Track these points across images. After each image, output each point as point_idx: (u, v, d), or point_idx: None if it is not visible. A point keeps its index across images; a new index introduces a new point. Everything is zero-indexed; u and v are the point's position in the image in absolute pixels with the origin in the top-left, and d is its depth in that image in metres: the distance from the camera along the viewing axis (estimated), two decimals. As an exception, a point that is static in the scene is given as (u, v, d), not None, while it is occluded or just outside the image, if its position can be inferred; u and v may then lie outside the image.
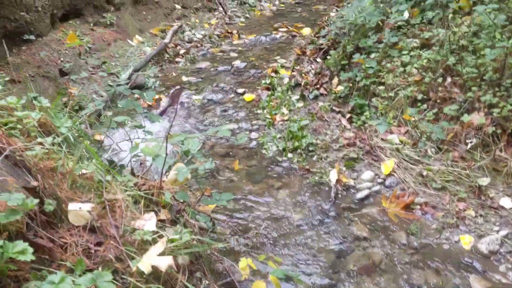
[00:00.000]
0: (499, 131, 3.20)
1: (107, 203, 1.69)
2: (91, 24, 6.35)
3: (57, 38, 5.65)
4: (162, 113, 4.87)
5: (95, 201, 1.69)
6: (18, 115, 1.87)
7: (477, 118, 3.26)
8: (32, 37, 5.10)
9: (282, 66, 5.87)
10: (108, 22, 6.51)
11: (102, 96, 5.11)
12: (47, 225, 1.51)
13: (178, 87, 5.63)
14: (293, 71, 5.60)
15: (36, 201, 1.35)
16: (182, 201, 2.05)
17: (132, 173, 2.65)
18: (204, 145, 4.20)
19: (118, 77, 5.60)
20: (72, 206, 1.59)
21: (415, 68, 3.88)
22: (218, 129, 2.57)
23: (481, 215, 2.97)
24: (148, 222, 1.71)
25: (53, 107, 2.28)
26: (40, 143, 1.73)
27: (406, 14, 4.32)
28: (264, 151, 4.11)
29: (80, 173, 1.78)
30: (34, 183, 1.50)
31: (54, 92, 4.96)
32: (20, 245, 1.21)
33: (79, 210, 1.59)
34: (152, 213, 1.79)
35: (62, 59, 5.40)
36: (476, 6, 3.49)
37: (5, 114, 1.97)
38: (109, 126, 2.52)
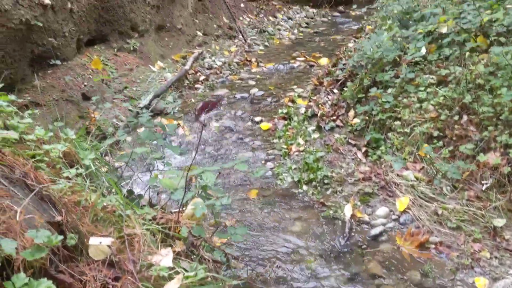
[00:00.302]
0: (515, 171, 3.19)
1: (126, 237, 1.74)
2: (115, 50, 6.54)
3: (82, 63, 5.83)
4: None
5: (114, 235, 1.75)
6: (46, 148, 1.95)
7: (493, 158, 3.27)
8: (58, 62, 5.28)
9: (299, 96, 5.95)
10: (132, 48, 6.70)
11: (122, 121, 5.24)
12: (68, 259, 1.57)
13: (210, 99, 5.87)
14: (309, 101, 5.67)
15: (61, 237, 1.41)
16: (198, 235, 2.10)
17: (150, 203, 2.72)
18: (220, 174, 4.26)
19: (138, 102, 5.74)
20: (92, 241, 1.65)
21: (432, 104, 3.91)
22: (235, 162, 2.63)
23: (496, 257, 2.95)
24: (164, 258, 1.76)
25: (77, 138, 2.37)
26: (66, 177, 1.81)
27: (423, 50, 4.37)
28: (279, 182, 4.15)
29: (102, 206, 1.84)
30: (58, 218, 1.56)
31: (76, 116, 5.11)
32: (45, 283, 1.26)
33: (99, 244, 1.65)
34: (169, 249, 1.84)
35: (85, 83, 5.57)
36: (493, 46, 3.53)
37: (32, 145, 2.05)
38: (130, 157, 2.60)
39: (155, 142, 2.73)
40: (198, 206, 2.08)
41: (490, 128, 3.40)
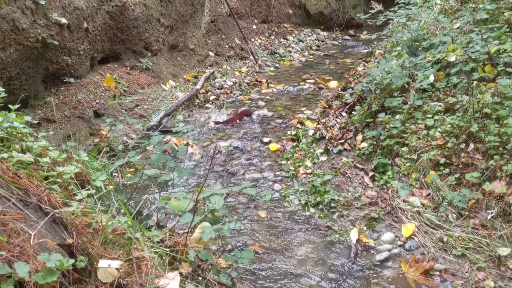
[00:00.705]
0: (520, 201, 3.21)
1: (135, 260, 1.79)
2: (128, 68, 6.67)
3: (95, 81, 5.95)
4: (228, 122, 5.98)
5: (123, 258, 1.79)
6: (59, 170, 2.02)
7: (498, 187, 3.29)
8: (72, 80, 5.40)
9: (308, 118, 6.00)
10: (144, 67, 6.82)
11: (132, 139, 5.32)
12: (78, 281, 1.61)
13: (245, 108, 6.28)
14: (318, 123, 5.71)
15: (72, 261, 1.46)
16: (205, 259, 2.13)
17: (158, 225, 2.77)
18: (228, 194, 4.30)
19: (149, 120, 5.83)
20: (102, 263, 1.70)
21: (439, 132, 3.94)
22: (243, 186, 2.68)
23: (500, 287, 2.94)
24: (171, 282, 1.80)
25: (90, 159, 2.43)
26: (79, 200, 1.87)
27: (431, 78, 4.42)
28: (286, 204, 4.18)
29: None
30: (69, 241, 1.61)
31: (87, 133, 5.21)
32: (55, 306, 1.31)
33: (108, 267, 1.69)
34: (176, 272, 1.88)
35: (97, 101, 5.68)
36: (500, 78, 3.57)
37: (46, 167, 2.12)
38: (140, 178, 2.65)
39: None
40: (206, 230, 2.12)
41: (496, 157, 3.43)
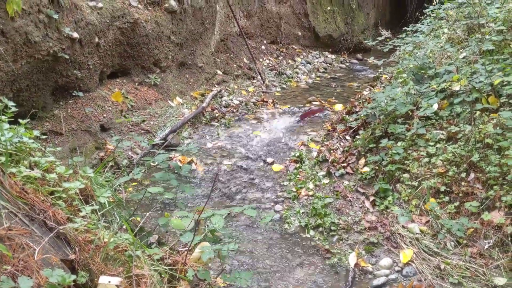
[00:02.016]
0: (518, 232, 3.23)
1: (134, 278, 1.83)
2: (136, 83, 6.77)
3: (103, 95, 6.04)
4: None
5: (123, 275, 1.84)
6: (65, 186, 2.07)
7: (497, 217, 3.32)
8: (81, 94, 5.49)
9: (312, 140, 6.06)
10: (153, 83, 6.92)
11: (137, 154, 5.39)
12: (78, 296, 1.66)
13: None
14: (322, 146, 5.76)
15: (73, 277, 1.51)
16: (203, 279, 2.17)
17: (159, 242, 2.81)
18: (229, 214, 4.33)
19: (155, 136, 5.91)
20: (102, 280, 1.74)
21: (440, 160, 3.98)
22: (244, 207, 2.72)
23: (496, 318, 2.95)
24: (168, 300, 1.84)
25: (95, 176, 2.49)
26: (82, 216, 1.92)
27: (435, 106, 4.48)
28: (286, 226, 4.21)
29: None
30: (72, 256, 1.66)
31: (93, 147, 5.28)
32: (55, 320, 1.35)
33: (108, 283, 1.73)
34: (174, 291, 1.91)
35: (105, 115, 5.76)
36: (503, 110, 3.62)
37: (52, 182, 2.18)
38: (144, 195, 2.70)
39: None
40: (205, 250, 2.16)
41: (495, 187, 3.47)
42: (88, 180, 2.43)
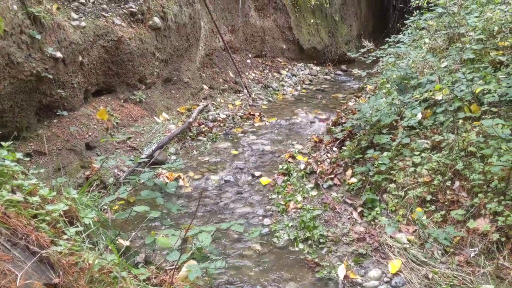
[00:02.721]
0: (503, 238, 3.27)
1: (119, 300, 1.81)
2: (122, 101, 6.74)
3: (88, 113, 5.99)
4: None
5: (108, 297, 1.81)
6: (48, 208, 2.05)
7: (482, 224, 3.35)
8: (65, 113, 5.46)
9: (299, 152, 6.07)
10: (138, 100, 6.90)
11: (123, 171, 5.35)
12: (62, 320, 1.63)
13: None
14: (309, 158, 5.78)
15: (56, 302, 1.49)
16: (189, 298, 2.15)
17: (146, 261, 2.78)
18: (218, 230, 4.31)
19: (141, 152, 5.88)
20: (87, 303, 1.72)
21: (425, 169, 4.02)
22: (231, 223, 2.72)
23: (485, 326, 2.96)
24: (155, 322, 1.82)
25: (80, 196, 2.47)
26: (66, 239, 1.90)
27: (419, 116, 4.53)
28: (275, 240, 4.20)
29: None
30: (55, 281, 1.64)
31: (78, 166, 5.22)
32: None
33: (93, 306, 1.71)
34: (160, 312, 1.89)
35: (90, 133, 5.72)
36: (484, 119, 3.68)
37: (35, 204, 2.15)
38: (129, 214, 2.68)
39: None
40: (192, 269, 2.15)
41: (480, 195, 3.50)
42: (72, 201, 2.41)
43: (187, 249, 2.66)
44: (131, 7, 6.73)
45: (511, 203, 3.33)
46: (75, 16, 5.75)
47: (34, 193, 2.14)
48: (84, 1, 6.04)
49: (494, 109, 4.03)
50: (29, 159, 4.61)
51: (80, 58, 5.70)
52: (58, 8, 5.47)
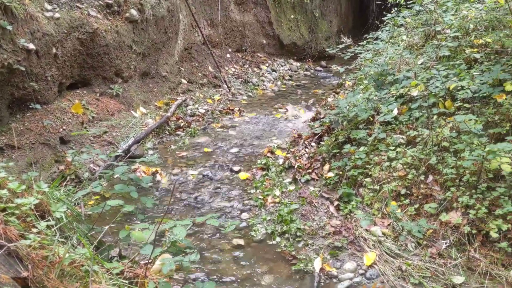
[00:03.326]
0: (474, 231, 3.34)
1: (91, 293, 1.79)
2: (98, 94, 6.64)
3: (62, 107, 5.87)
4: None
5: (79, 291, 1.79)
6: (18, 202, 2.01)
7: (454, 217, 3.42)
8: (38, 106, 5.34)
9: (278, 147, 6.09)
10: (114, 93, 6.81)
11: (99, 166, 5.28)
12: (31, 315, 1.61)
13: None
14: (288, 153, 5.81)
15: (24, 295, 1.46)
16: (163, 291, 2.14)
17: (120, 255, 2.76)
18: (195, 224, 4.29)
19: (117, 147, 5.81)
20: (57, 296, 1.69)
21: (400, 164, 4.08)
22: (206, 217, 2.71)
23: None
24: (127, 315, 1.80)
25: (51, 189, 2.43)
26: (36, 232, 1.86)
27: (395, 111, 4.59)
28: (253, 233, 4.20)
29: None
30: (24, 274, 1.61)
31: (52, 160, 5.13)
32: None
33: (63, 300, 1.69)
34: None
35: (64, 127, 5.62)
36: (456, 115, 3.75)
37: (4, 198, 2.11)
38: (103, 208, 2.65)
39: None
40: (166, 262, 2.14)
41: (452, 189, 3.57)
42: (44, 195, 2.37)
43: (164, 243, 2.64)
44: (108, -1, 6.63)
45: (482, 196, 3.40)
46: (49, 7, 5.63)
47: (3, 186, 2.09)
48: (59, -8, 5.93)
49: (467, 105, 4.11)
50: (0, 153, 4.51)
51: (54, 50, 5.59)
52: (31, -1, 5.36)
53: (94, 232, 2.85)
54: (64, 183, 3.80)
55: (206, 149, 6.27)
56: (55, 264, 1.81)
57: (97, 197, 4.52)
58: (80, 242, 2.46)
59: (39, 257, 1.75)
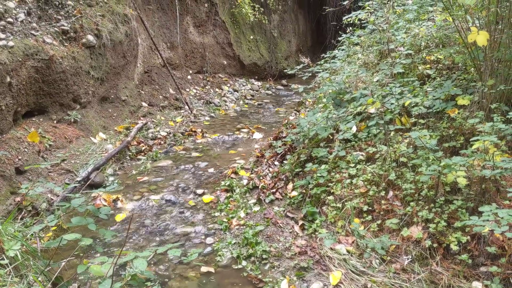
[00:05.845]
0: (435, 245, 3.40)
1: (45, 336, 1.70)
2: (55, 121, 6.47)
3: (18, 136, 5.67)
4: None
5: (32, 335, 1.71)
6: (-35, 243, 1.91)
7: (415, 231, 3.48)
8: (-9, 139, 5.15)
9: (242, 168, 6.08)
10: (72, 120, 6.66)
11: (58, 195, 5.11)
12: None
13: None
14: (252, 173, 5.80)
15: None
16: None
17: (79, 291, 2.66)
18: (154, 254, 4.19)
19: (76, 175, 5.65)
20: None
21: (361, 180, 4.14)
22: (168, 247, 2.65)
23: (422, 332, 3.05)
24: None
25: (5, 226, 2.32)
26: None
27: (354, 129, 4.67)
28: (218, 258, 4.14)
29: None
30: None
31: (8, 192, 4.92)
32: None
33: None
34: None
35: (20, 157, 5.43)
36: (412, 131, 3.85)
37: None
38: (59, 243, 2.56)
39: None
40: (125, 296, 2.07)
41: (412, 203, 3.65)
42: (-5, 232, 2.26)
43: (125, 276, 2.57)
44: (63, 25, 6.52)
45: (441, 210, 3.49)
46: (2, 36, 5.49)
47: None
48: (12, 20, 5.79)
49: (422, 121, 4.23)
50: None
51: (8, 79, 5.42)
52: (-18, 27, 5.20)
53: (50, 267, 2.73)
54: (20, 216, 3.64)
55: (174, 170, 6.20)
56: (6, 308, 1.72)
57: (54, 228, 4.36)
58: (35, 280, 2.36)
59: (-12, 301, 1.66)
